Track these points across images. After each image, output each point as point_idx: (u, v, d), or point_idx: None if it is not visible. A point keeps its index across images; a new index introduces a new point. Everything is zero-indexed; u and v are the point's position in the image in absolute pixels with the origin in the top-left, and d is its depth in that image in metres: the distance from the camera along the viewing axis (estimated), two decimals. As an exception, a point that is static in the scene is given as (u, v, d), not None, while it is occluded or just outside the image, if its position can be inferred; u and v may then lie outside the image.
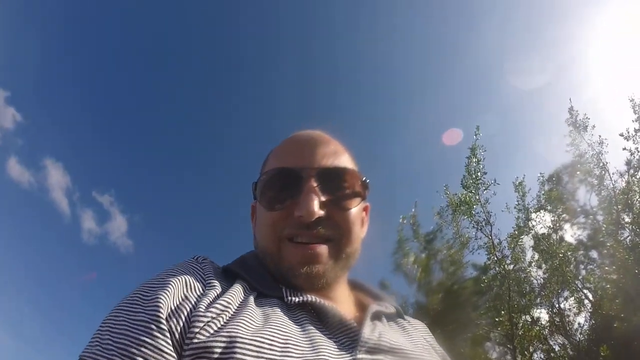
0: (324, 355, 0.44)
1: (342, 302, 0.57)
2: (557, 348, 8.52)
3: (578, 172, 8.44)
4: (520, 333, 7.95)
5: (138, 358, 0.39)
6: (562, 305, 8.57)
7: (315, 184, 0.54)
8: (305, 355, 0.43)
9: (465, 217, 7.55)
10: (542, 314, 8.52)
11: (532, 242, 8.15)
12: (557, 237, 8.30)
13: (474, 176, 7.66)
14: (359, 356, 0.46)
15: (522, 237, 7.86)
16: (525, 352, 8.10)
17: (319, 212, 0.53)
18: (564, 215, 8.33)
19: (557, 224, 8.29)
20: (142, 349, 0.39)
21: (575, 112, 8.70)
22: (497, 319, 7.76)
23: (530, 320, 8.28)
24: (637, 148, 8.32)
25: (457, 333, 7.46)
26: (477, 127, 7.85)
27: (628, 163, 8.36)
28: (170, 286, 0.46)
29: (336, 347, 0.47)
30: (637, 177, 8.21)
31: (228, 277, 0.56)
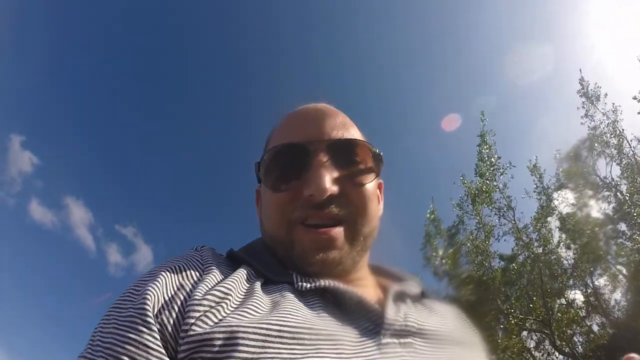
0: (343, 343, 0.39)
1: (363, 287, 0.51)
2: (595, 328, 8.23)
3: (596, 145, 8.14)
4: (556, 317, 7.69)
5: (123, 357, 0.36)
6: (596, 284, 8.29)
7: (325, 159, 0.49)
8: (319, 344, 0.38)
9: (486, 205, 7.32)
10: (577, 295, 8.25)
11: (557, 223, 7.87)
12: (583, 214, 8.00)
13: (487, 163, 7.43)
14: (384, 341, 0.42)
15: (547, 218, 7.59)
16: (564, 336, 7.82)
17: (331, 188, 0.48)
18: (586, 191, 8.03)
19: (581, 201, 8.00)
20: (127, 346, 0.37)
21: (586, 82, 8.41)
22: (531, 305, 7.51)
23: (565, 303, 8.00)
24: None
25: (491, 324, 7.28)
26: (482, 113, 7.63)
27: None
28: (162, 277, 0.43)
29: (357, 333, 0.42)
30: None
31: (232, 264, 0.51)
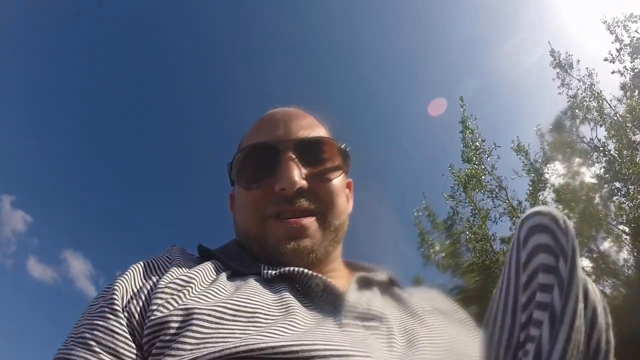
0: (299, 323, 0.39)
1: (335, 278, 0.52)
2: (608, 291, 8.21)
3: (577, 111, 8.14)
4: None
5: (90, 341, 0.38)
6: (601, 248, 8.27)
7: (293, 156, 0.51)
8: (276, 324, 0.38)
9: (477, 190, 7.28)
10: (584, 262, 8.22)
11: (553, 196, 7.85)
12: (577, 182, 7.99)
13: (472, 147, 7.40)
14: (345, 321, 0.41)
15: (540, 193, 7.57)
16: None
17: (300, 181, 0.50)
18: (576, 158, 8.03)
19: (572, 169, 8.00)
20: (94, 332, 0.39)
21: (557, 52, 8.42)
22: (539, 281, 7.46)
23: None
24: (624, 67, 8.05)
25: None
26: (460, 98, 7.60)
27: (623, 86, 8.07)
28: (131, 271, 0.45)
29: (318, 315, 0.42)
30: (636, 93, 7.91)
31: (200, 259, 0.52)
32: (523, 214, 0.37)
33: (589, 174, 8.17)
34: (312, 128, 0.56)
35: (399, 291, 0.56)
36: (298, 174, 0.50)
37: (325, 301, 0.45)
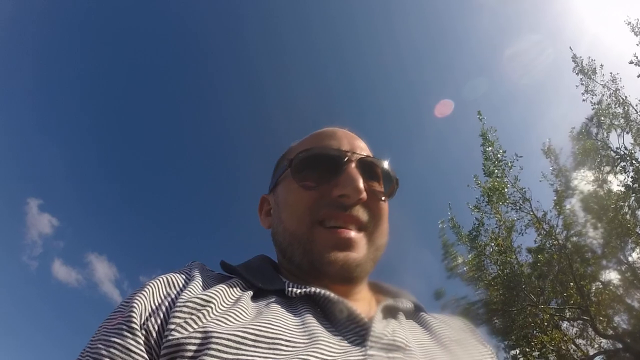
0: (323, 352, 0.38)
1: (358, 300, 0.51)
2: (636, 305, 7.88)
3: (602, 118, 7.90)
4: (594, 301, 7.40)
5: (106, 359, 0.38)
6: (629, 259, 7.97)
7: (358, 168, 0.52)
8: (298, 352, 0.37)
9: (500, 202, 7.12)
10: (612, 274, 7.94)
11: (579, 205, 7.63)
12: (604, 190, 7.74)
13: (494, 161, 7.25)
14: (370, 353, 0.40)
15: (566, 200, 7.37)
16: (604, 319, 7.52)
17: (364, 192, 0.50)
18: (604, 166, 7.77)
19: (600, 177, 7.75)
20: (111, 350, 0.39)
21: (579, 58, 8.20)
22: (565, 295, 7.25)
23: (601, 285, 7.70)
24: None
25: (527, 320, 7.04)
26: (478, 113, 7.46)
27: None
28: (150, 288, 0.44)
29: (342, 344, 0.41)
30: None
31: (222, 276, 0.51)
32: None
33: (616, 183, 7.94)
34: (368, 151, 0.58)
35: (425, 318, 0.55)
36: (362, 184, 0.50)
37: (348, 329, 0.43)
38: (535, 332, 6.96)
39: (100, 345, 0.40)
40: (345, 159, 0.52)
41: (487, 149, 7.25)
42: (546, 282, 7.36)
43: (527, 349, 6.73)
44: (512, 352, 6.96)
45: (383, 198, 0.54)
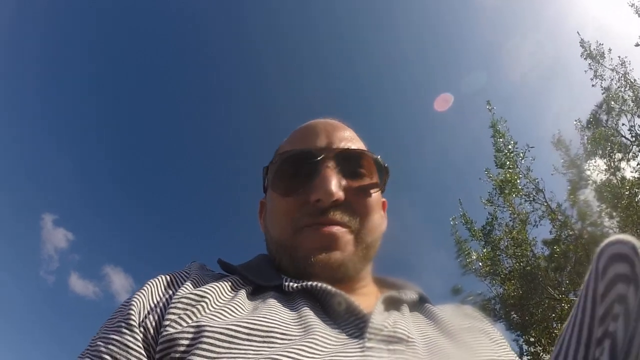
0: (318, 345, 0.37)
1: (363, 295, 0.51)
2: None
3: (612, 103, 7.74)
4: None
5: (105, 355, 0.39)
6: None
7: (333, 166, 0.50)
8: (292, 345, 0.36)
9: (514, 194, 6.98)
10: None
11: (594, 194, 7.46)
12: (617, 178, 7.57)
13: (505, 152, 7.09)
14: (369, 345, 0.38)
15: (579, 190, 7.22)
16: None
17: (338, 192, 0.49)
18: (616, 154, 7.61)
19: (612, 165, 7.58)
20: (110, 346, 0.39)
21: (587, 43, 8.04)
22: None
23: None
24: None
25: (544, 314, 6.92)
26: (488, 102, 7.32)
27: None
28: (148, 287, 0.45)
29: (339, 336, 0.39)
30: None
31: (220, 274, 0.51)
32: (603, 242, 0.34)
33: (629, 169, 7.76)
34: (353, 141, 0.55)
35: (430, 309, 0.53)
36: (336, 185, 0.49)
37: (347, 322, 0.42)
38: (556, 324, 6.82)
39: (99, 343, 0.40)
40: (320, 159, 0.50)
41: (498, 140, 7.10)
42: (563, 274, 7.21)
43: (549, 341, 6.59)
44: (532, 348, 6.81)
45: (368, 192, 0.52)
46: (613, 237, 0.33)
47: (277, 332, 0.38)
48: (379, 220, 0.54)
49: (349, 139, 0.55)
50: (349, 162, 0.52)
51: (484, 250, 6.89)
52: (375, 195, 0.53)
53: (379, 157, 0.53)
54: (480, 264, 6.83)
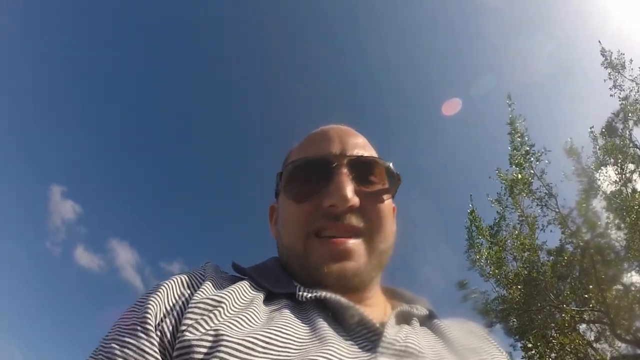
0: (333, 356, 0.38)
1: (371, 306, 0.51)
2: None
3: (630, 114, 7.62)
4: (615, 304, 7.12)
5: (119, 359, 0.38)
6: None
7: (347, 173, 0.50)
8: (307, 356, 0.37)
9: (525, 195, 6.81)
10: (634, 278, 7.66)
11: (604, 204, 7.34)
12: (628, 190, 7.46)
13: (522, 151, 6.90)
14: (381, 359, 0.39)
15: (591, 200, 7.08)
16: (624, 322, 7.26)
17: (354, 198, 0.49)
18: (628, 165, 7.49)
19: (624, 176, 7.46)
20: (125, 350, 0.39)
21: (608, 52, 7.92)
22: (586, 296, 6.97)
23: (622, 287, 7.43)
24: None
25: (545, 321, 6.79)
26: (508, 96, 7.12)
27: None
28: (164, 288, 0.45)
29: (353, 350, 0.40)
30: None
31: (234, 278, 0.52)
32: None
33: (640, 182, 7.65)
34: (366, 148, 0.56)
35: (439, 325, 0.53)
36: (351, 191, 0.49)
37: (359, 334, 0.43)
38: (554, 333, 6.70)
39: (114, 345, 0.40)
40: (334, 165, 0.50)
41: (516, 138, 6.91)
42: (565, 283, 7.08)
43: (547, 349, 6.45)
44: (529, 353, 6.67)
45: (381, 198, 0.52)
46: None
47: (293, 345, 0.38)
48: (391, 227, 0.55)
49: (362, 146, 0.55)
50: (362, 168, 0.52)
51: (491, 250, 6.70)
52: (388, 202, 0.53)
53: (390, 164, 0.54)
54: (487, 262, 6.65)
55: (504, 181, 6.92)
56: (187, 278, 0.47)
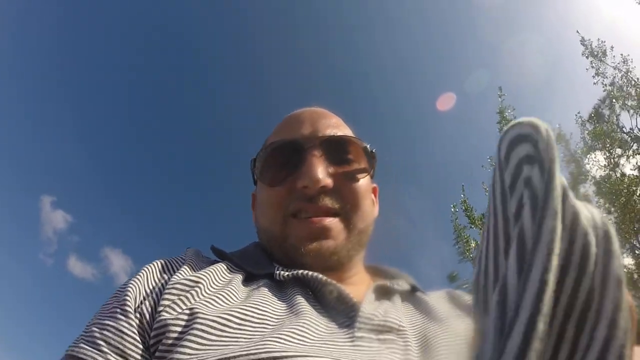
0: (308, 333, 0.37)
1: (355, 284, 0.50)
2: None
3: (614, 100, 7.78)
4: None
5: (99, 341, 0.39)
6: (644, 244, 7.81)
7: (318, 154, 0.50)
8: (282, 333, 0.36)
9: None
10: (627, 260, 7.77)
11: (594, 189, 7.47)
12: (617, 174, 7.60)
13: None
14: (359, 334, 0.39)
15: (580, 185, 7.21)
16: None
17: (325, 179, 0.49)
18: (616, 149, 7.64)
19: (612, 161, 7.61)
20: (104, 332, 0.39)
21: (588, 41, 8.08)
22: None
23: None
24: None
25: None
26: (499, 89, 7.25)
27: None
28: (144, 272, 0.45)
29: (330, 325, 0.40)
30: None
31: (214, 261, 0.51)
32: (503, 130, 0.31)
33: (629, 166, 7.79)
34: (339, 128, 0.55)
35: (422, 298, 0.53)
36: (323, 172, 0.49)
37: (338, 311, 0.42)
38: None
39: (94, 328, 0.40)
40: (305, 147, 0.50)
41: (503, 127, 7.03)
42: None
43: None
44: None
45: (356, 177, 0.51)
46: (512, 122, 0.30)
47: (269, 321, 0.38)
48: (369, 206, 0.54)
49: (335, 126, 0.54)
50: (335, 149, 0.52)
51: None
52: (364, 180, 0.53)
53: (364, 142, 0.53)
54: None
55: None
56: (167, 262, 0.47)
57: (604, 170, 7.59)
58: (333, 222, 0.49)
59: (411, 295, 0.53)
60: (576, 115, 7.98)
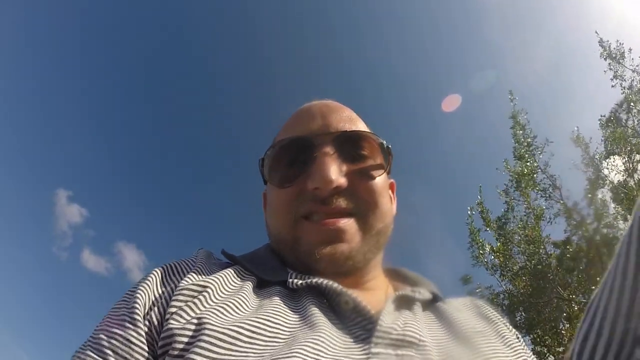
0: (322, 349, 0.35)
1: (372, 289, 0.48)
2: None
3: (632, 104, 7.58)
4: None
5: (107, 350, 0.38)
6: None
7: (331, 152, 0.47)
8: (295, 349, 0.34)
9: (530, 188, 6.80)
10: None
11: (610, 195, 7.30)
12: (635, 180, 7.41)
13: (525, 144, 6.90)
14: (375, 350, 0.36)
15: (598, 190, 7.05)
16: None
17: (338, 180, 0.45)
18: (635, 154, 7.44)
19: (631, 166, 7.42)
20: (112, 341, 0.39)
21: (607, 42, 7.88)
22: (593, 288, 6.94)
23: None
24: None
25: (552, 314, 6.76)
26: (510, 92, 7.13)
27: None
28: (153, 277, 0.44)
29: (345, 340, 0.38)
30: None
31: (225, 265, 0.48)
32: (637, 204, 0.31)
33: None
34: (352, 122, 0.51)
35: (444, 309, 0.50)
36: (335, 171, 0.45)
37: (354, 322, 0.39)
38: (564, 325, 6.66)
39: (102, 336, 0.39)
40: (316, 144, 0.47)
41: (518, 132, 6.92)
42: (573, 275, 7.05)
43: (557, 341, 6.42)
44: (538, 348, 6.65)
45: (372, 175, 0.48)
46: None
47: (281, 335, 0.36)
48: (387, 204, 0.50)
49: (347, 120, 0.51)
50: (349, 144, 0.48)
51: (498, 243, 6.70)
52: (381, 177, 0.49)
53: (378, 136, 0.50)
54: (492, 257, 6.65)
55: (511, 173, 6.90)
56: (176, 265, 0.46)
57: (623, 176, 7.40)
58: (348, 224, 0.46)
59: (433, 305, 0.50)
60: (600, 117, 7.75)
